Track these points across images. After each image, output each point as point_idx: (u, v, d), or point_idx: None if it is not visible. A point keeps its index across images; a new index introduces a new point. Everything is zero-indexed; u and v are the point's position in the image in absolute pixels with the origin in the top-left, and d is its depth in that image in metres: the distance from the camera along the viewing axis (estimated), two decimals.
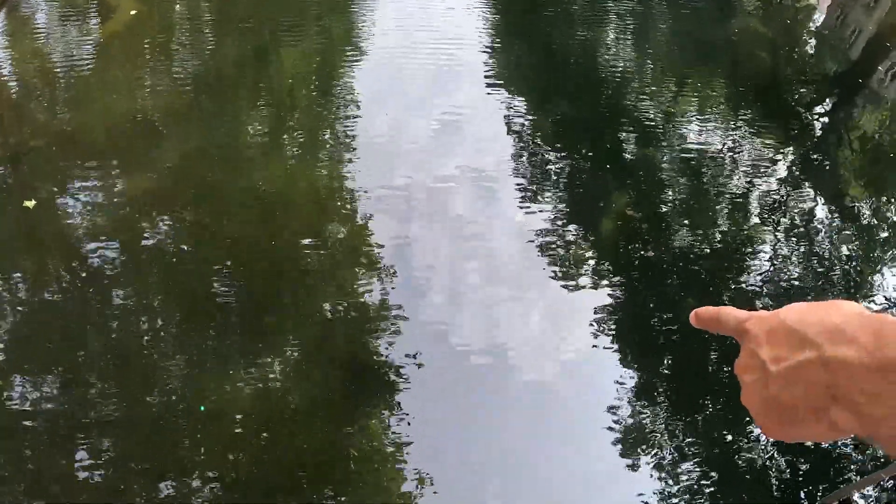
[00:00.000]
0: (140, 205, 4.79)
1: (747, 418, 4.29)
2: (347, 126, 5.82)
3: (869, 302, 5.34)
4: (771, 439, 4.09)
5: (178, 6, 7.28)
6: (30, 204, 4.66)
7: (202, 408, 3.73)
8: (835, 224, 6.16)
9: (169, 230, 4.68)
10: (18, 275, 4.35)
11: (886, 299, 5.47)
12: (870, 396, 0.51)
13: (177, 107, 5.71)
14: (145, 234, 4.62)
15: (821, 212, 6.23)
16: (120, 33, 6.58)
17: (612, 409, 4.20)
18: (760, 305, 5.07)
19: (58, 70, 6.03)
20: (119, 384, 3.84)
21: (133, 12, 6.76)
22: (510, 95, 6.57)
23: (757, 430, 4.25)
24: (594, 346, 4.47)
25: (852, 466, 4.11)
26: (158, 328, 4.11)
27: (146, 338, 4.05)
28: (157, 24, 6.88)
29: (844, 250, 5.85)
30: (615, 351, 4.52)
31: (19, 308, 4.16)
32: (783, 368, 0.57)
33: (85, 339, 4.03)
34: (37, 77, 5.95)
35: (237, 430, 3.67)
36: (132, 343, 4.02)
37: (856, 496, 3.52)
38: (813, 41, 9.67)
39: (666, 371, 4.57)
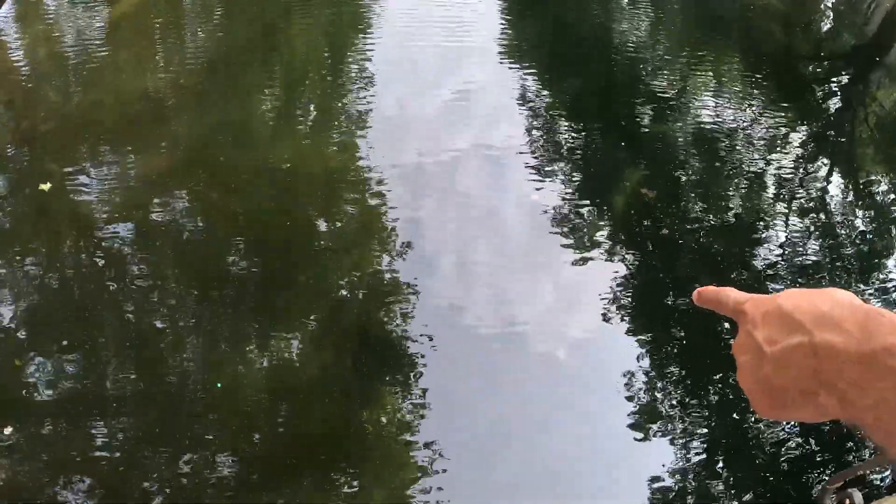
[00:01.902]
0: (153, 184, 4.81)
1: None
2: (359, 103, 5.80)
3: (879, 284, 5.32)
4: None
5: None
6: (45, 187, 4.70)
7: (218, 384, 3.78)
8: (849, 203, 6.11)
9: (182, 209, 4.71)
10: (35, 257, 4.39)
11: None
12: (853, 385, 0.52)
13: (188, 86, 5.70)
14: (159, 214, 4.64)
15: (835, 190, 6.17)
16: (130, 14, 6.55)
17: (625, 386, 4.22)
18: (772, 286, 5.07)
19: (69, 52, 6.01)
20: (135, 362, 3.89)
21: None
22: (522, 71, 6.53)
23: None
24: (606, 322, 4.48)
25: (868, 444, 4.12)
26: (173, 306, 4.15)
27: (161, 316, 4.09)
28: (167, 3, 6.85)
29: (856, 230, 5.81)
30: (628, 328, 4.54)
31: (36, 288, 4.21)
32: (776, 350, 0.58)
33: (101, 317, 4.08)
34: (48, 60, 5.95)
35: (252, 407, 3.72)
36: (147, 321, 4.07)
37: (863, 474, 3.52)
38: (830, 14, 9.52)
39: (677, 348, 4.58)
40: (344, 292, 4.32)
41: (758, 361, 0.60)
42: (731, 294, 0.67)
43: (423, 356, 4.02)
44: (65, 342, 3.89)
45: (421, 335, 4.10)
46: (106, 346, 3.94)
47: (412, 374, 3.94)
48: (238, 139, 5.28)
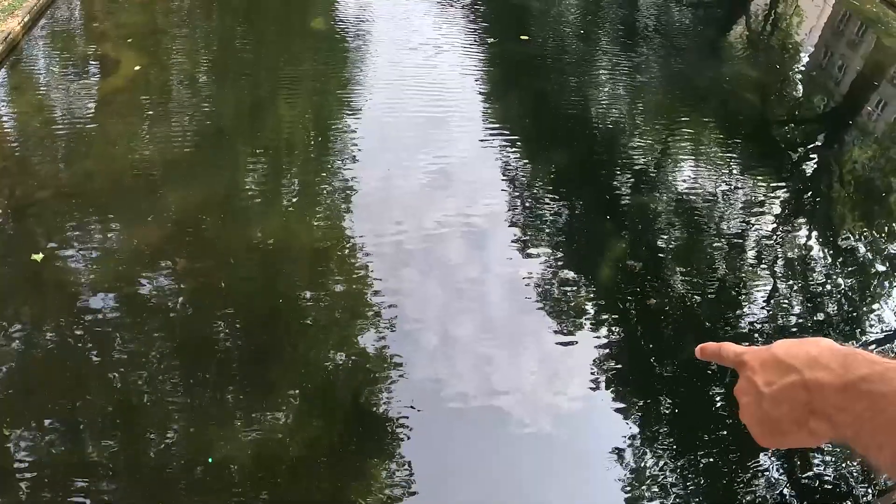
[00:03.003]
0: (140, 257, 4.91)
1: (747, 461, 4.32)
2: (343, 178, 5.96)
3: (859, 334, 5.40)
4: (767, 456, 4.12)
5: (180, 61, 7.58)
6: (38, 257, 4.79)
7: (210, 459, 3.79)
8: (828, 261, 6.24)
9: (170, 281, 4.79)
10: (21, 325, 4.43)
11: (881, 331, 5.51)
12: (838, 409, 0.65)
13: (178, 159, 5.89)
14: (146, 286, 4.73)
15: (815, 249, 6.31)
16: (124, 88, 6.82)
17: (612, 457, 4.23)
18: (761, 340, 5.13)
19: (62, 124, 6.22)
20: (122, 434, 3.89)
21: (137, 67, 7.06)
22: (504, 144, 6.73)
23: (755, 468, 4.27)
24: (593, 392, 4.52)
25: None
26: (161, 379, 4.18)
27: (148, 389, 4.11)
28: (159, 78, 7.13)
29: (836, 288, 5.91)
30: (615, 399, 4.56)
31: (23, 357, 4.22)
32: (774, 390, 0.71)
33: (87, 390, 4.10)
34: (40, 131, 6.13)
35: (240, 480, 3.73)
36: (135, 394, 4.09)
37: None
38: (802, 79, 9.89)
39: (666, 417, 4.61)
40: (330, 367, 4.38)
41: (757, 400, 0.73)
42: (731, 348, 0.80)
43: (409, 430, 4.06)
44: (48, 417, 3.89)
45: (407, 408, 4.15)
46: (92, 417, 3.95)
47: (399, 449, 3.97)
48: (225, 214, 5.41)
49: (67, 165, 5.77)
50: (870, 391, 0.62)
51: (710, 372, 4.91)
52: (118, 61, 7.21)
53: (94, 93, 6.79)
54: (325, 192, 5.81)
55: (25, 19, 7.39)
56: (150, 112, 6.53)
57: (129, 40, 7.56)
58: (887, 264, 6.33)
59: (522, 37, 8.81)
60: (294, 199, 5.71)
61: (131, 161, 5.79)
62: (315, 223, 5.43)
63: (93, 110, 6.49)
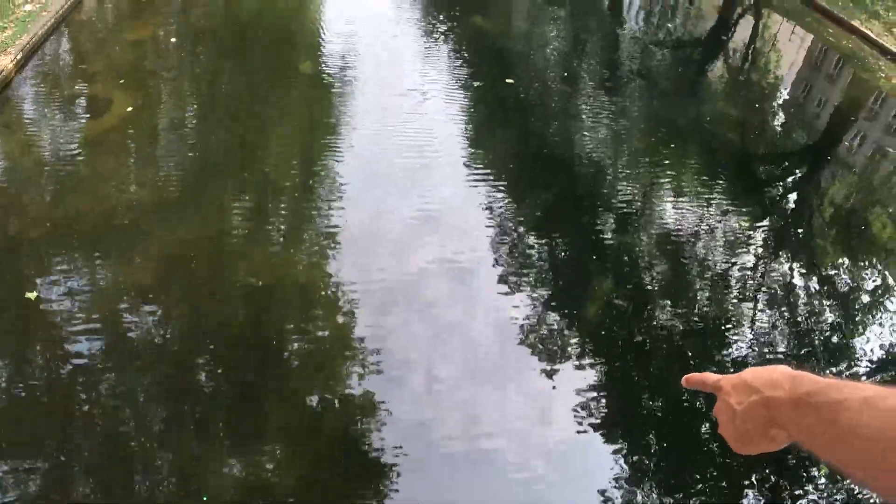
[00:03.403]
0: (129, 296, 4.96)
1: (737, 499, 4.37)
2: (330, 220, 6.04)
3: (844, 367, 5.48)
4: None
5: (171, 102, 7.70)
6: (32, 296, 4.86)
7: (205, 497, 3.82)
8: (811, 294, 6.34)
9: (157, 321, 4.83)
10: (6, 363, 4.47)
11: (865, 363, 5.59)
12: (790, 421, 0.81)
13: (168, 199, 5.98)
14: (133, 326, 4.77)
15: (797, 283, 6.42)
16: (116, 127, 6.91)
17: (600, 498, 4.26)
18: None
19: (53, 163, 6.29)
20: (108, 475, 3.91)
21: (129, 108, 7.18)
22: (489, 187, 6.84)
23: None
24: (580, 434, 4.57)
25: None
26: (147, 418, 4.20)
27: (134, 428, 4.14)
28: (151, 119, 7.24)
29: (820, 321, 6.00)
30: (602, 437, 4.60)
31: (7, 397, 4.25)
32: (743, 408, 0.88)
33: (76, 428, 4.13)
34: (31, 168, 6.22)
35: None
36: (121, 433, 4.12)
37: None
38: (782, 116, 10.12)
39: (654, 454, 4.65)
40: (316, 409, 4.41)
41: (731, 417, 0.90)
42: (711, 377, 0.99)
43: (397, 474, 4.09)
44: (34, 457, 3.90)
45: (395, 450, 4.18)
46: (78, 457, 3.97)
47: (386, 492, 3.99)
48: (213, 254, 5.48)
49: (59, 203, 5.83)
50: (814, 403, 0.77)
51: (698, 407, 4.97)
52: (110, 101, 7.34)
53: (86, 132, 6.88)
54: (311, 234, 5.90)
55: (18, 57, 7.53)
56: (142, 152, 6.64)
57: (122, 81, 7.71)
58: (868, 297, 6.44)
59: (508, 80, 9.02)
60: (281, 240, 5.79)
61: (123, 200, 5.88)
62: (301, 265, 5.51)
63: (85, 149, 6.57)
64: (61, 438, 4.06)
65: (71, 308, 4.85)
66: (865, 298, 6.40)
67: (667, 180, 7.56)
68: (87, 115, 7.23)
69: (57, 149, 6.54)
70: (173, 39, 9.06)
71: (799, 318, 5.99)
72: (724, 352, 5.46)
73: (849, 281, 6.65)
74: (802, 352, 5.58)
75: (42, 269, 5.18)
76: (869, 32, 12.32)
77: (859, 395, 0.72)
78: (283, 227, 5.99)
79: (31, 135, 6.82)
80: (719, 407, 0.94)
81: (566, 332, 5.33)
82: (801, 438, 0.81)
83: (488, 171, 7.12)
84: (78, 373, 4.45)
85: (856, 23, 12.66)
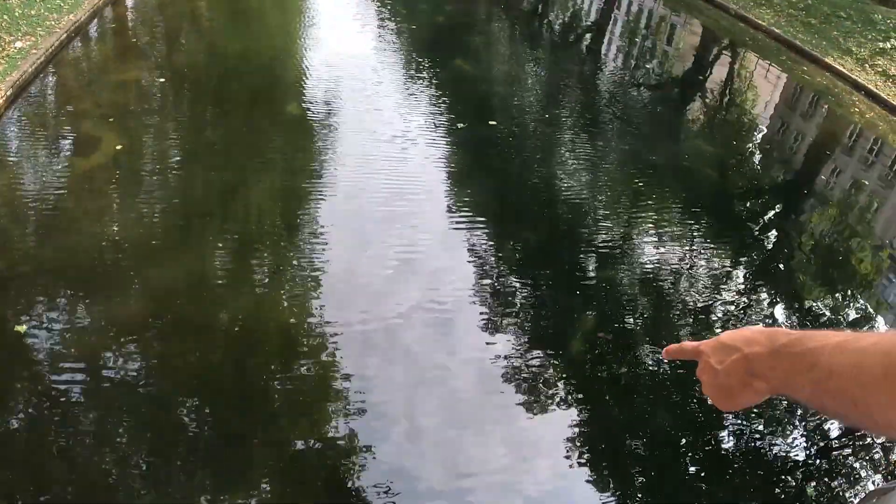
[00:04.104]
0: (113, 336, 4.93)
1: None
2: (313, 263, 6.04)
3: None
4: None
5: (159, 143, 7.76)
6: (21, 329, 4.85)
7: None
8: (791, 327, 6.40)
9: (140, 362, 4.81)
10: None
11: None
12: (770, 370, 0.87)
13: (154, 240, 5.98)
14: (114, 366, 4.73)
15: (778, 316, 6.49)
16: (104, 166, 6.93)
17: None
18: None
19: (41, 200, 6.30)
20: None
21: (119, 147, 7.21)
22: (472, 228, 6.91)
23: None
24: (564, 473, 4.56)
25: None
26: (126, 460, 4.15)
27: (116, 469, 4.08)
28: (140, 159, 7.30)
29: None
30: (587, 479, 4.58)
31: None
32: (725, 366, 0.94)
33: (57, 468, 4.06)
34: (15, 206, 6.23)
35: None
36: (103, 474, 4.06)
37: None
38: (758, 151, 10.32)
39: (639, 493, 4.64)
40: (298, 453, 4.35)
41: (713, 376, 0.96)
42: (689, 344, 1.05)
43: None
44: (13, 499, 3.83)
45: (378, 494, 4.14)
46: (61, 497, 3.89)
47: None
48: (197, 296, 5.47)
49: (47, 242, 5.85)
50: (792, 352, 0.85)
51: (683, 444, 4.98)
52: (99, 139, 7.39)
53: (74, 170, 6.91)
54: (294, 278, 5.92)
55: (8, 93, 7.60)
56: (129, 191, 6.66)
57: (111, 119, 7.79)
58: (849, 330, 6.50)
59: (491, 122, 9.18)
60: (264, 283, 5.80)
61: (109, 240, 5.90)
62: (283, 308, 5.52)
63: (73, 187, 6.59)
64: (36, 478, 4.00)
65: (49, 347, 4.83)
66: (847, 332, 6.45)
67: (648, 218, 7.66)
68: (76, 153, 7.27)
69: (44, 185, 6.57)
70: (161, 80, 9.16)
71: None
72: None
73: (829, 314, 6.72)
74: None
75: (27, 306, 5.17)
76: (842, 69, 12.67)
77: (833, 341, 0.80)
78: (266, 269, 6.01)
79: (20, 171, 6.86)
80: (701, 368, 1.00)
81: (547, 374, 5.33)
82: (782, 387, 0.87)
83: (471, 212, 7.18)
84: (54, 410, 4.40)
85: (829, 59, 13.03)
